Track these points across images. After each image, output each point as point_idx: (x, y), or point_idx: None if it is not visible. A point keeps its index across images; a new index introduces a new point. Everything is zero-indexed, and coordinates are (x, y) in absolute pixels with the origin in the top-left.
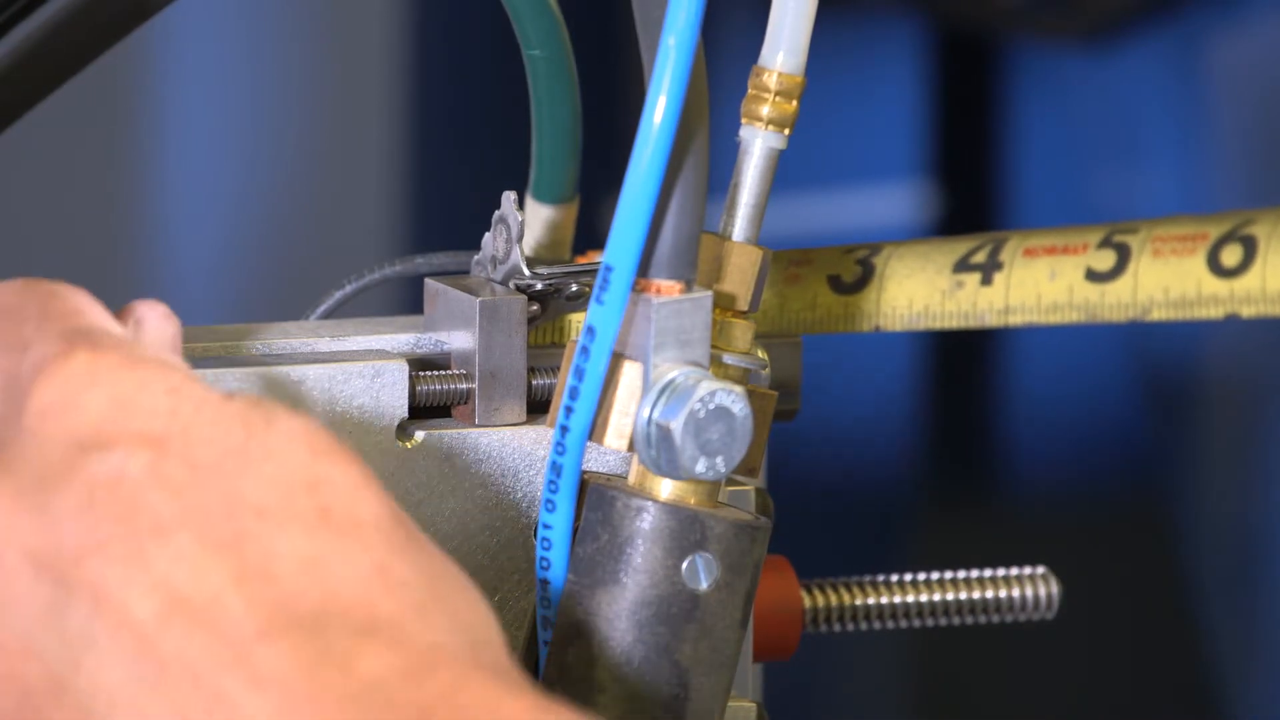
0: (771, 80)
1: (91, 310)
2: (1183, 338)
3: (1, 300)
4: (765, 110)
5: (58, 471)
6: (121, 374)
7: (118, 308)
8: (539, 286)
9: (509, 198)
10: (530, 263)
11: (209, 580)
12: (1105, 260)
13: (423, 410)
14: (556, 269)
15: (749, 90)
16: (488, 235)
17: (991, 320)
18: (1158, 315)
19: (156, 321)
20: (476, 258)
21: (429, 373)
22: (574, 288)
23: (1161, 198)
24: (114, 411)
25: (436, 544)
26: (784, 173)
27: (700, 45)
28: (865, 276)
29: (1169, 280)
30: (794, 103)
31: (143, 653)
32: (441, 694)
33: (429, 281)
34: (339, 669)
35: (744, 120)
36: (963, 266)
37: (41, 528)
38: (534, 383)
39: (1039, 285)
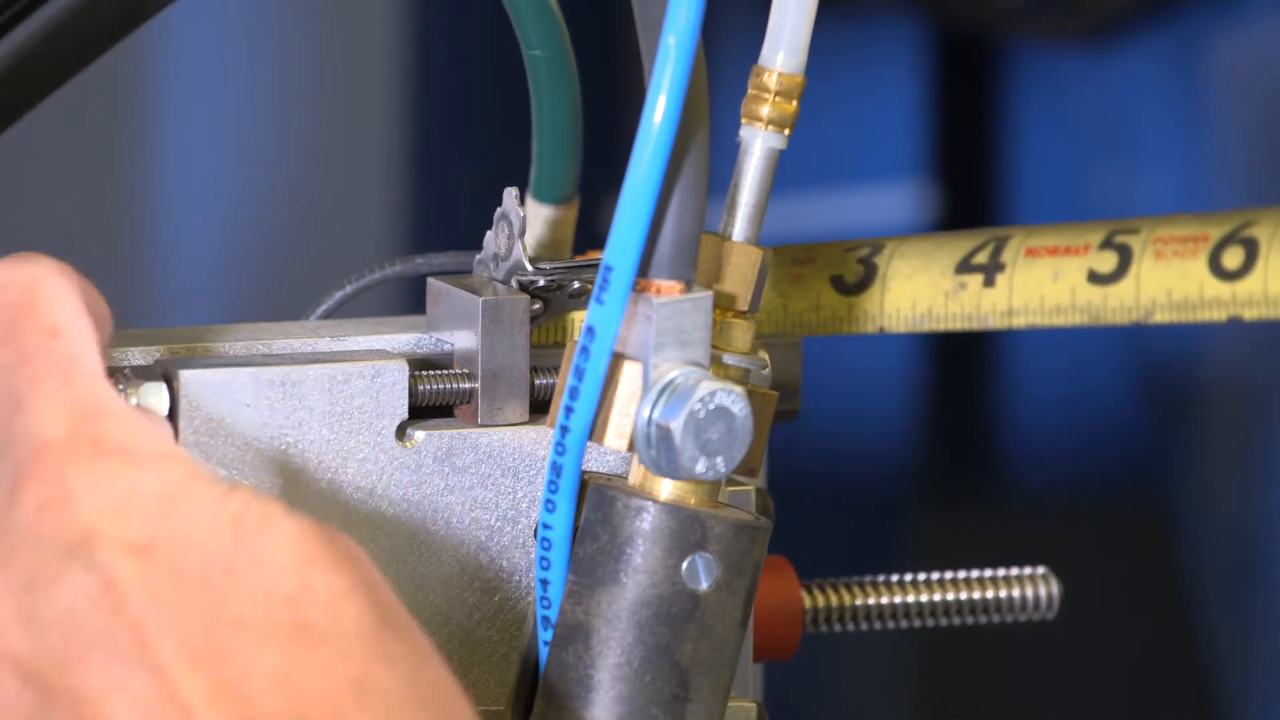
0: (771, 80)
1: (89, 354)
2: (1182, 338)
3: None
4: (765, 110)
5: (47, 575)
6: (119, 476)
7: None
8: (542, 283)
9: (510, 193)
10: (532, 260)
11: (184, 695)
12: (1108, 262)
13: (424, 410)
14: (559, 265)
15: (749, 90)
16: (490, 233)
17: (995, 322)
18: (1160, 318)
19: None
20: (479, 257)
21: (429, 372)
22: (576, 284)
23: (1161, 197)
24: (105, 515)
25: (423, 634)
26: (784, 173)
27: (700, 45)
28: (868, 277)
29: (1171, 283)
30: (794, 103)
31: None
32: None
33: (432, 281)
34: None
35: (744, 120)
36: (965, 267)
37: (29, 633)
38: (537, 382)
39: (1042, 287)
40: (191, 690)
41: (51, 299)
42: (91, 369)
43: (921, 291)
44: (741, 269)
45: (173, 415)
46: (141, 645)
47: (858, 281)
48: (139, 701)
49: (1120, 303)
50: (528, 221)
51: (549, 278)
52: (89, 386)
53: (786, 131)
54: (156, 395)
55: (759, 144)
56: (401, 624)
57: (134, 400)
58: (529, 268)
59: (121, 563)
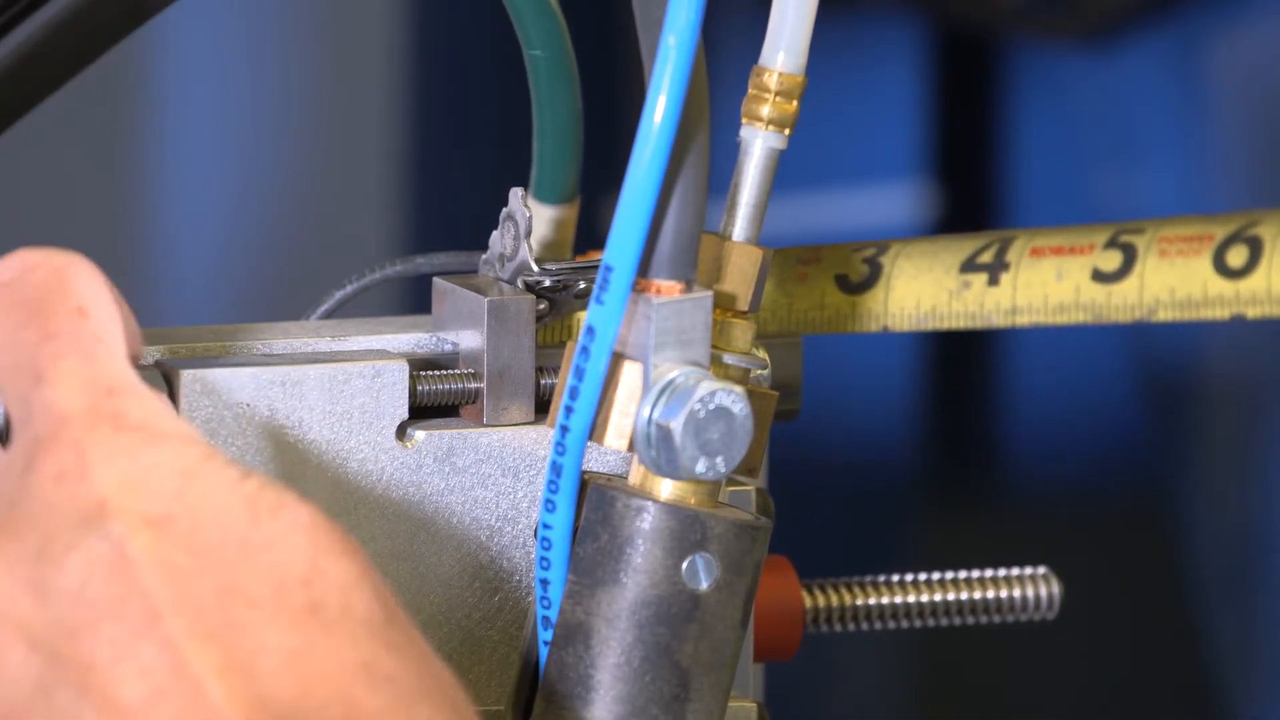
0: (772, 80)
1: (114, 335)
2: (1183, 337)
3: (23, 294)
4: (765, 110)
5: (60, 544)
6: (138, 451)
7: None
8: (547, 283)
9: (516, 194)
10: (538, 260)
11: (194, 669)
12: (1112, 261)
13: (427, 410)
14: (565, 266)
15: (749, 90)
16: (495, 233)
17: (999, 321)
18: (1164, 316)
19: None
20: (485, 257)
21: (430, 372)
22: (582, 285)
23: (1161, 197)
24: (122, 488)
25: (426, 640)
26: (784, 173)
27: (700, 45)
28: (873, 276)
29: (1175, 281)
30: (794, 103)
31: None
32: None
33: (437, 281)
34: None
35: (744, 120)
36: (970, 267)
37: (39, 601)
38: (542, 382)
39: (1046, 286)
40: (202, 664)
41: (82, 281)
42: (115, 349)
43: (926, 290)
44: (742, 269)
45: None
46: (153, 618)
47: (862, 281)
48: (148, 673)
49: (1124, 301)
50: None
51: (555, 278)
52: (111, 364)
53: (787, 131)
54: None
55: (759, 144)
56: (404, 620)
57: None
58: (535, 268)
59: (136, 535)
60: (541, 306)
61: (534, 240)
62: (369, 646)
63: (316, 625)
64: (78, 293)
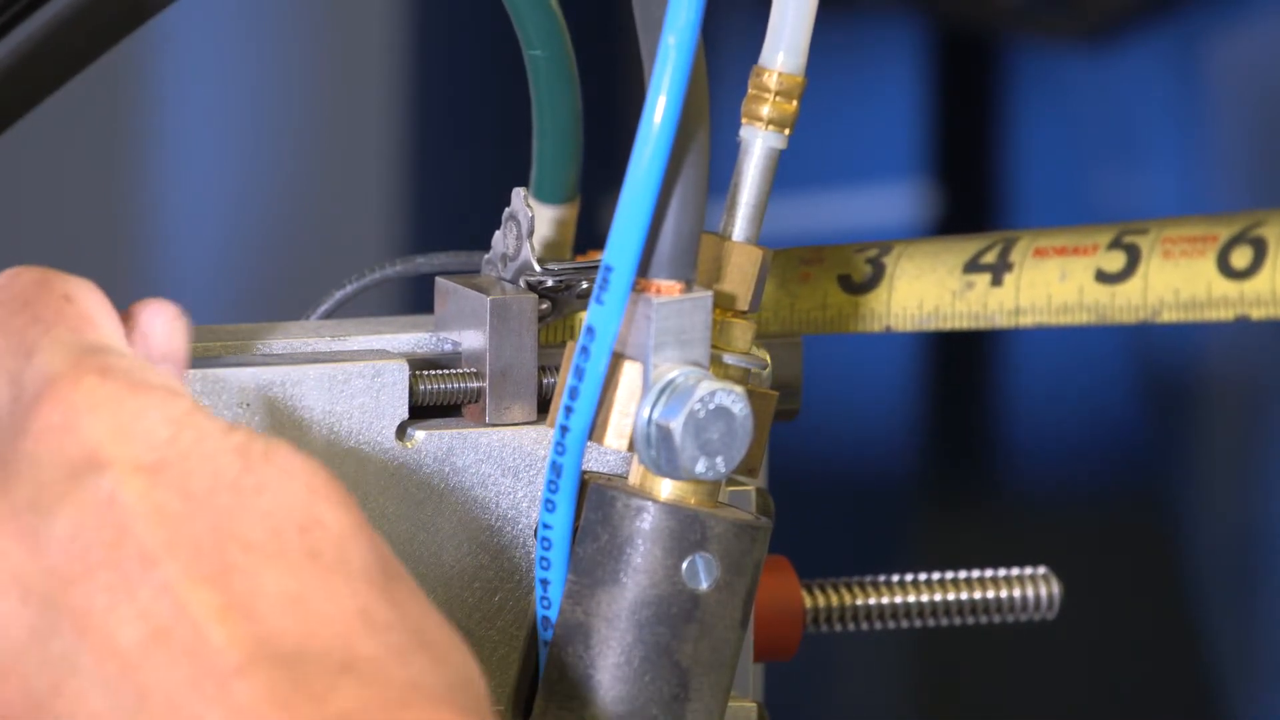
0: (772, 80)
1: (103, 318)
2: (1184, 338)
3: (13, 292)
4: (765, 110)
5: (51, 495)
6: (125, 400)
7: (118, 309)
8: (550, 283)
9: (519, 194)
10: (541, 260)
11: (192, 611)
12: (1115, 261)
13: (429, 410)
14: (568, 266)
15: (749, 90)
16: (498, 233)
17: (1002, 321)
18: (1168, 317)
19: (164, 328)
20: (487, 256)
21: (430, 372)
22: (584, 285)
23: (1161, 197)
24: (112, 437)
25: (421, 592)
26: (784, 173)
27: (700, 45)
28: (876, 276)
29: (1179, 282)
30: (794, 103)
31: (124, 680)
32: None
33: (440, 280)
34: (313, 704)
35: (744, 120)
36: (973, 267)
37: (31, 552)
38: (545, 381)
39: (1049, 286)
40: (200, 606)
41: (70, 279)
42: (103, 325)
43: (929, 290)
44: (742, 269)
45: None
46: (148, 562)
47: (865, 281)
48: (146, 615)
49: (1128, 302)
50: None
51: (557, 278)
52: (96, 334)
53: (787, 131)
54: None
55: (759, 144)
56: (402, 573)
57: None
58: (537, 268)
59: (128, 482)
60: (544, 306)
61: (535, 240)
62: (367, 594)
63: (314, 570)
64: (64, 285)
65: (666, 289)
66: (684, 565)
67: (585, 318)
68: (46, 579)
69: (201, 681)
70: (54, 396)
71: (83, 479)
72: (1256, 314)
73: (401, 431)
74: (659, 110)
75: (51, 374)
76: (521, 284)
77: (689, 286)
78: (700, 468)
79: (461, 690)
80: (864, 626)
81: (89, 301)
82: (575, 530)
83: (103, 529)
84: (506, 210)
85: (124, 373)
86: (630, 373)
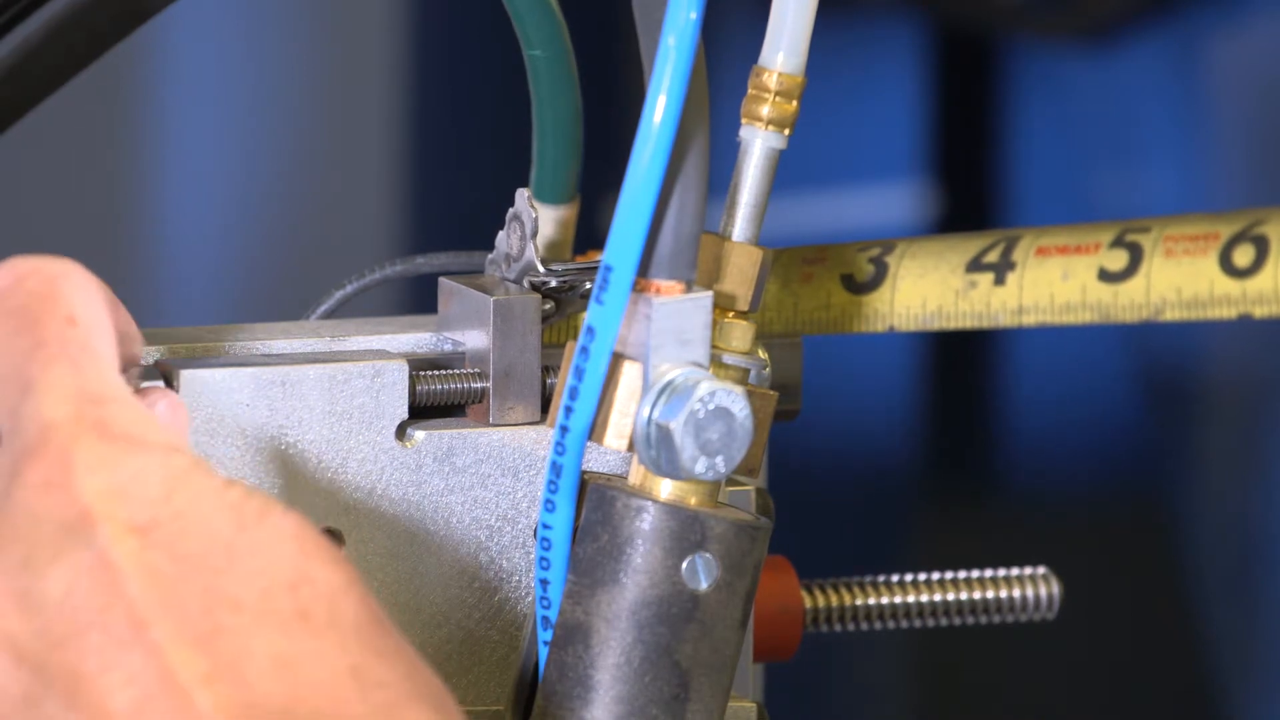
0: (771, 80)
1: (104, 343)
2: (1183, 338)
3: (16, 302)
4: (765, 110)
5: (44, 555)
6: (123, 460)
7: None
8: (553, 284)
9: (523, 194)
10: (544, 260)
11: (180, 677)
12: (1118, 260)
13: (429, 410)
14: (571, 266)
15: (749, 90)
16: (501, 233)
17: (1005, 320)
18: (1170, 316)
19: (167, 412)
20: (491, 256)
21: (430, 372)
22: (588, 285)
23: (1161, 197)
24: (107, 498)
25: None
26: (784, 173)
27: (700, 45)
28: (879, 276)
29: (1181, 281)
30: (794, 103)
31: None
32: None
33: (443, 280)
34: None
35: (744, 120)
36: (976, 266)
37: (24, 612)
38: (548, 382)
39: (1052, 285)
40: (188, 671)
41: (74, 290)
42: (104, 359)
43: (932, 290)
44: (742, 269)
45: None
46: (138, 625)
47: (868, 280)
48: (134, 681)
49: (1130, 300)
50: None
51: (561, 279)
52: (99, 374)
53: (787, 131)
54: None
55: (759, 144)
56: (391, 627)
57: None
58: (541, 269)
59: (120, 542)
60: (547, 306)
61: (537, 240)
62: (357, 652)
63: (304, 630)
64: (68, 301)
65: (666, 289)
66: (684, 565)
67: (585, 318)
68: (40, 640)
69: None
70: (50, 450)
71: (75, 539)
72: (1259, 312)
73: (401, 431)
74: (659, 110)
75: (49, 421)
76: (525, 284)
77: (689, 287)
78: (700, 468)
79: None
80: (864, 626)
81: (91, 324)
82: (575, 530)
83: (94, 591)
84: (510, 210)
85: (123, 428)
86: (630, 373)
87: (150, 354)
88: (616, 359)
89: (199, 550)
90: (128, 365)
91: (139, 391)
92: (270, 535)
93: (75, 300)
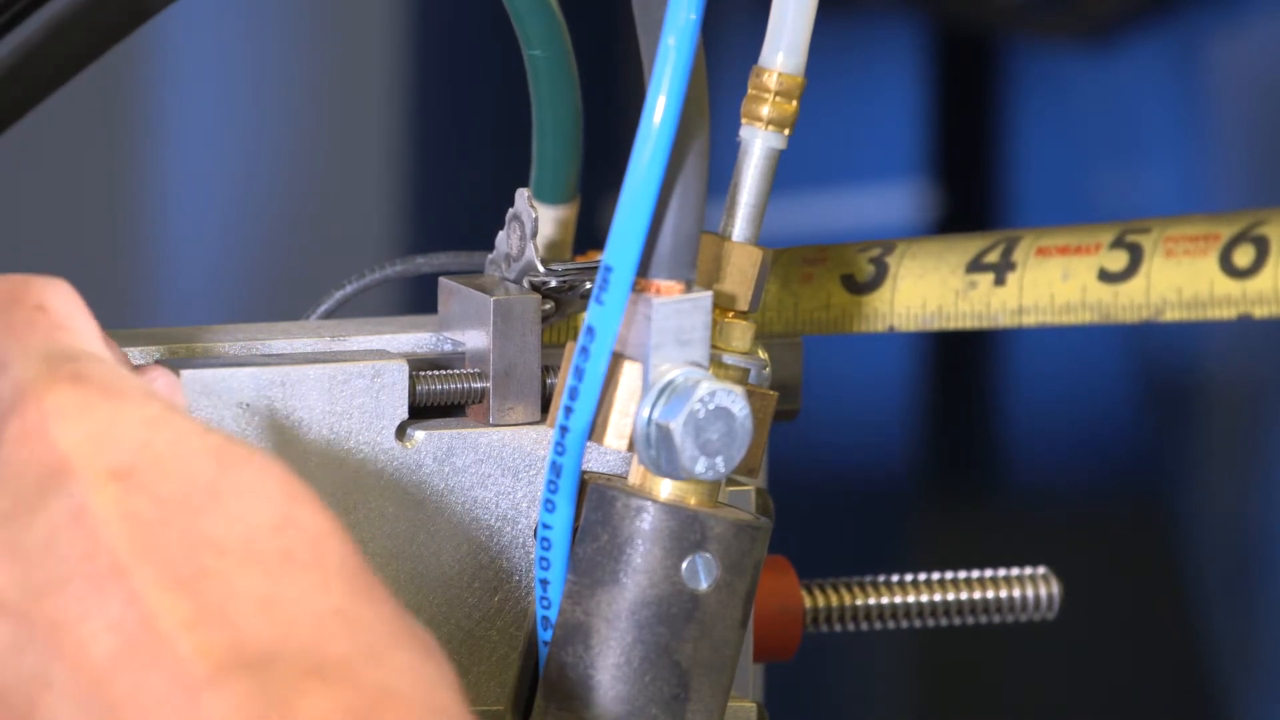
0: (771, 80)
1: (78, 321)
2: (1183, 338)
3: None
4: (765, 110)
5: (25, 505)
6: (98, 405)
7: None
8: (553, 284)
9: (523, 194)
10: (544, 261)
11: (161, 621)
12: (1118, 261)
13: (429, 410)
14: (571, 267)
15: (749, 90)
16: (502, 233)
17: (1005, 321)
18: (1170, 316)
19: (165, 385)
20: (491, 256)
21: (430, 372)
22: (588, 285)
23: (1162, 197)
24: (83, 444)
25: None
26: (784, 173)
27: (700, 45)
28: (879, 276)
29: (1181, 281)
30: (794, 103)
31: (97, 694)
32: None
33: (443, 280)
34: (282, 711)
35: (744, 120)
36: (976, 266)
37: (9, 563)
38: (548, 381)
39: (1052, 286)
40: (170, 616)
41: (44, 287)
42: (81, 333)
43: (932, 290)
44: (742, 269)
45: None
46: (119, 571)
47: (868, 280)
48: (116, 628)
49: (1130, 301)
50: None
51: (561, 279)
52: (70, 340)
53: (786, 131)
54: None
55: (759, 144)
56: (377, 577)
57: None
58: (541, 269)
59: (99, 490)
60: (547, 306)
61: (537, 241)
62: (343, 594)
63: (289, 572)
64: (38, 295)
65: (666, 289)
66: (684, 565)
67: (585, 318)
68: (23, 591)
69: (171, 694)
70: (26, 405)
71: (55, 488)
72: (1259, 313)
73: (401, 432)
74: (659, 110)
75: (24, 383)
76: (525, 284)
77: (689, 287)
78: (700, 468)
79: (438, 689)
80: (864, 626)
81: (63, 307)
82: (575, 530)
83: (75, 539)
84: (510, 211)
85: (98, 377)
86: (630, 373)
87: (150, 354)
88: (616, 359)
89: (180, 493)
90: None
91: (137, 369)
92: (253, 477)
93: (46, 295)
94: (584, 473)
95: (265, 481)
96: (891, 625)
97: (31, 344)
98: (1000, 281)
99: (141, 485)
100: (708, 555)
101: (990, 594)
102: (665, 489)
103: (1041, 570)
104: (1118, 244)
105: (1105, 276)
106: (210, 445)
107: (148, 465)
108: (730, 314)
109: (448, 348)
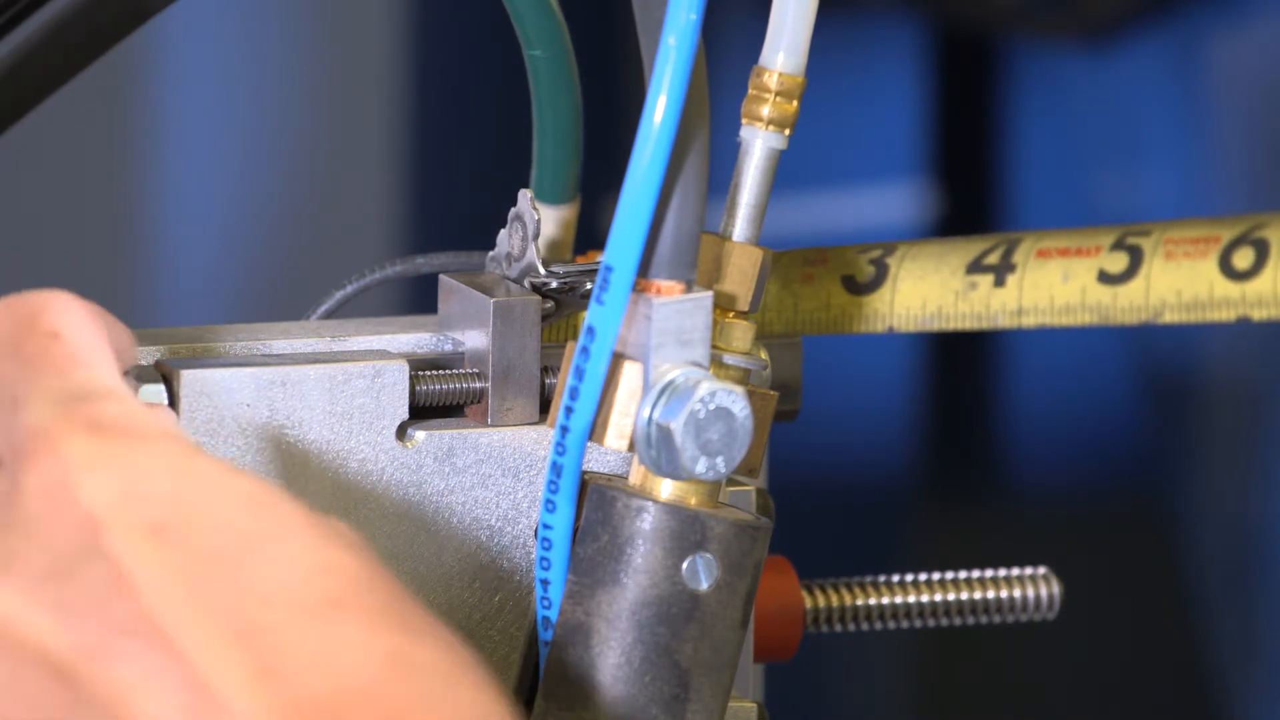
0: (772, 80)
1: (92, 352)
2: (1183, 339)
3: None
4: (766, 110)
5: (63, 566)
6: (121, 455)
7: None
8: (554, 285)
9: (525, 195)
10: (545, 262)
11: (219, 683)
12: (1118, 262)
13: (429, 410)
14: (572, 268)
15: (749, 90)
16: (503, 232)
17: (1004, 322)
18: (1170, 318)
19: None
20: (492, 254)
21: (430, 372)
22: (589, 286)
23: (1162, 197)
24: (113, 499)
25: (435, 617)
26: (785, 173)
27: (700, 45)
28: (879, 277)
29: (1181, 283)
30: (794, 103)
31: None
32: None
33: (444, 278)
34: None
35: (744, 120)
36: (976, 268)
37: (59, 623)
38: (548, 381)
39: (1052, 287)
40: (228, 676)
41: (58, 312)
42: (94, 365)
43: (932, 291)
44: (742, 269)
45: None
46: (167, 633)
47: (868, 281)
48: (175, 690)
49: (1130, 302)
50: None
51: (562, 280)
52: (86, 376)
53: (787, 131)
54: (156, 395)
55: (759, 144)
56: (419, 607)
57: None
58: (542, 270)
59: (136, 550)
60: (547, 306)
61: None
62: (393, 635)
63: (336, 617)
64: (50, 320)
65: (667, 289)
66: (684, 565)
67: (585, 318)
68: (75, 652)
69: None
70: (43, 453)
71: (90, 549)
72: (1258, 315)
73: (402, 432)
74: (659, 110)
75: (38, 424)
76: (526, 285)
77: (689, 287)
78: (700, 468)
79: (499, 717)
80: (864, 626)
81: (77, 335)
82: (575, 530)
83: (119, 601)
84: (512, 210)
85: (115, 422)
86: (630, 373)
87: (150, 354)
88: (617, 359)
89: (216, 546)
90: (124, 370)
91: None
92: (283, 523)
93: (60, 320)
94: (584, 473)
95: (295, 526)
96: (891, 625)
97: (45, 380)
98: (1000, 283)
99: (177, 540)
100: (708, 555)
101: (990, 594)
102: (666, 489)
103: (1041, 570)
104: (1118, 246)
105: (1105, 278)
106: (239, 490)
107: (180, 519)
108: (730, 314)
109: (448, 348)
